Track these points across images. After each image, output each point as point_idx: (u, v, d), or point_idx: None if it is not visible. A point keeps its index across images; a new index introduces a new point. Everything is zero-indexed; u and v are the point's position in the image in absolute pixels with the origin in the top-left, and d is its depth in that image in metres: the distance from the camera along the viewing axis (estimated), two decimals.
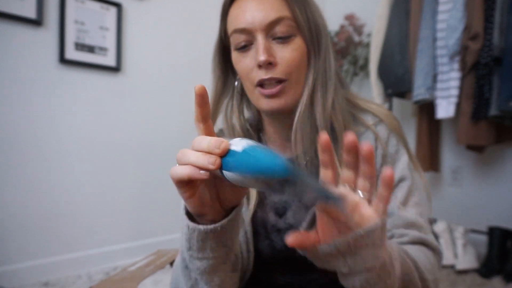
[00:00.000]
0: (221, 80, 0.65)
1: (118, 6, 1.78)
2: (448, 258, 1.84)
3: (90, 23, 1.71)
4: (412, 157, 0.64)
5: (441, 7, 1.88)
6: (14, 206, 1.52)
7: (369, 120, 0.63)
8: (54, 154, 1.63)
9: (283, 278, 0.65)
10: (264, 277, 0.67)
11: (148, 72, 1.93)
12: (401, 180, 0.61)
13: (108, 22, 1.76)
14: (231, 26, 0.58)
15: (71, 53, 1.65)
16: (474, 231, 1.99)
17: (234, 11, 0.58)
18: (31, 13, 1.53)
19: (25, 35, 1.54)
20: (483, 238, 1.92)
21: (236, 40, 0.58)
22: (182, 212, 0.44)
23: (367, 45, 2.29)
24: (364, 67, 2.36)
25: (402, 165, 0.61)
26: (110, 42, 1.77)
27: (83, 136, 1.71)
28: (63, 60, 1.62)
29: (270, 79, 0.55)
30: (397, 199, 0.59)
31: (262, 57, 0.54)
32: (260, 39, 0.55)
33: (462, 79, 1.83)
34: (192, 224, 0.42)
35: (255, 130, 0.68)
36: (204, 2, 2.11)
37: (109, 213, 1.79)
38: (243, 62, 0.58)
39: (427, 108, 2.03)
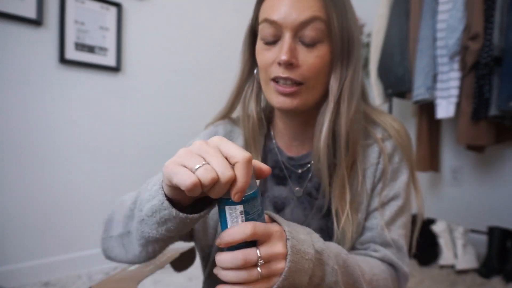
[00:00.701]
0: (248, 64, 0.64)
1: (118, 6, 1.78)
2: (448, 258, 1.84)
3: (90, 23, 1.71)
4: (414, 178, 0.64)
5: (441, 7, 1.88)
6: (14, 206, 1.52)
7: (378, 133, 0.63)
8: (53, 153, 1.63)
9: None
10: None
11: (148, 72, 1.93)
12: (394, 198, 0.61)
13: (108, 22, 1.76)
14: (263, 14, 0.57)
15: (71, 53, 1.65)
16: (474, 231, 1.99)
17: (270, 1, 0.56)
18: (31, 13, 1.53)
19: (25, 35, 1.54)
20: (483, 238, 1.92)
21: (264, 30, 0.56)
22: (157, 185, 0.43)
23: (367, 45, 2.29)
24: (364, 67, 2.36)
25: (399, 184, 0.62)
26: (110, 42, 1.77)
27: (83, 135, 1.71)
28: (63, 60, 1.62)
29: (286, 79, 0.55)
30: (384, 217, 0.60)
31: (284, 57, 0.53)
32: (287, 37, 0.54)
33: (462, 79, 1.83)
34: (167, 204, 0.41)
35: (266, 120, 0.68)
36: (204, 2, 2.11)
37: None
38: (264, 55, 0.57)
39: (427, 108, 2.03)
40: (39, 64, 1.58)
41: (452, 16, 1.79)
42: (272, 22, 0.55)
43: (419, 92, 1.88)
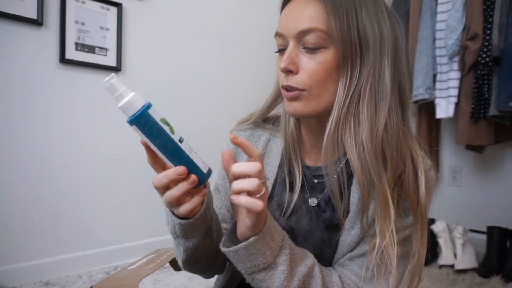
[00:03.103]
0: None
1: (118, 6, 1.78)
2: (447, 257, 1.85)
3: (90, 23, 1.71)
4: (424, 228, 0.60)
5: (440, 8, 1.88)
6: (15, 206, 1.53)
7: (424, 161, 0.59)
8: (54, 153, 1.63)
9: None
10: None
11: (148, 72, 1.93)
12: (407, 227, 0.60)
13: (109, 22, 1.77)
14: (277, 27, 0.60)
15: (72, 53, 1.65)
16: (473, 230, 2.00)
17: (282, 13, 0.59)
18: (32, 13, 1.54)
19: (25, 35, 1.54)
20: (482, 238, 1.93)
21: (276, 41, 0.59)
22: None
23: None
24: None
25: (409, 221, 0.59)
26: (110, 42, 1.77)
27: (83, 135, 1.71)
28: (63, 60, 1.62)
29: (287, 87, 0.56)
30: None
31: (282, 64, 0.55)
32: (290, 46, 0.56)
33: (461, 79, 1.84)
34: (171, 217, 0.52)
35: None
36: (204, 2, 2.12)
37: (109, 213, 1.79)
38: (277, 64, 0.59)
39: (426, 108, 2.04)
40: (40, 64, 1.58)
41: (451, 17, 1.79)
42: (279, 35, 0.58)
43: (419, 92, 1.89)
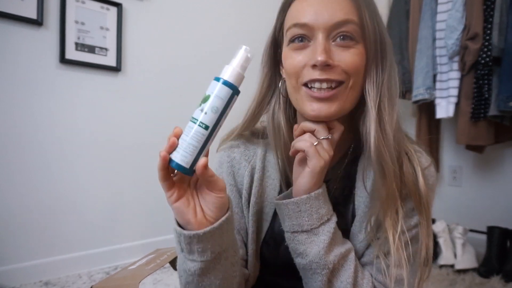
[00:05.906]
0: (267, 78, 0.62)
1: (118, 6, 1.78)
2: (447, 257, 1.85)
3: (90, 23, 1.71)
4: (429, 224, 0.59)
5: (440, 8, 1.88)
6: (15, 206, 1.53)
7: (422, 158, 0.59)
8: (54, 153, 1.63)
9: (287, 283, 0.65)
10: (270, 281, 0.67)
11: (148, 72, 1.93)
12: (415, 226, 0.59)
13: (109, 22, 1.76)
14: (291, 19, 0.55)
15: (72, 53, 1.65)
16: (473, 230, 2.00)
17: (298, 5, 0.54)
18: (32, 13, 1.53)
19: (25, 35, 1.54)
20: (483, 238, 1.93)
21: (292, 34, 0.54)
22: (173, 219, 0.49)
23: None
24: None
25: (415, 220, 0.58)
26: (110, 42, 1.77)
27: (83, 135, 1.71)
28: (63, 60, 1.62)
29: (325, 80, 0.51)
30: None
31: (320, 57, 0.50)
32: (320, 38, 0.51)
33: (462, 79, 1.84)
34: (178, 229, 0.47)
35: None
36: (204, 2, 2.12)
37: (110, 213, 1.79)
38: (294, 59, 0.54)
39: (426, 108, 2.03)
40: (40, 64, 1.58)
41: (451, 16, 1.79)
42: (302, 25, 0.52)
43: (419, 92, 1.89)
